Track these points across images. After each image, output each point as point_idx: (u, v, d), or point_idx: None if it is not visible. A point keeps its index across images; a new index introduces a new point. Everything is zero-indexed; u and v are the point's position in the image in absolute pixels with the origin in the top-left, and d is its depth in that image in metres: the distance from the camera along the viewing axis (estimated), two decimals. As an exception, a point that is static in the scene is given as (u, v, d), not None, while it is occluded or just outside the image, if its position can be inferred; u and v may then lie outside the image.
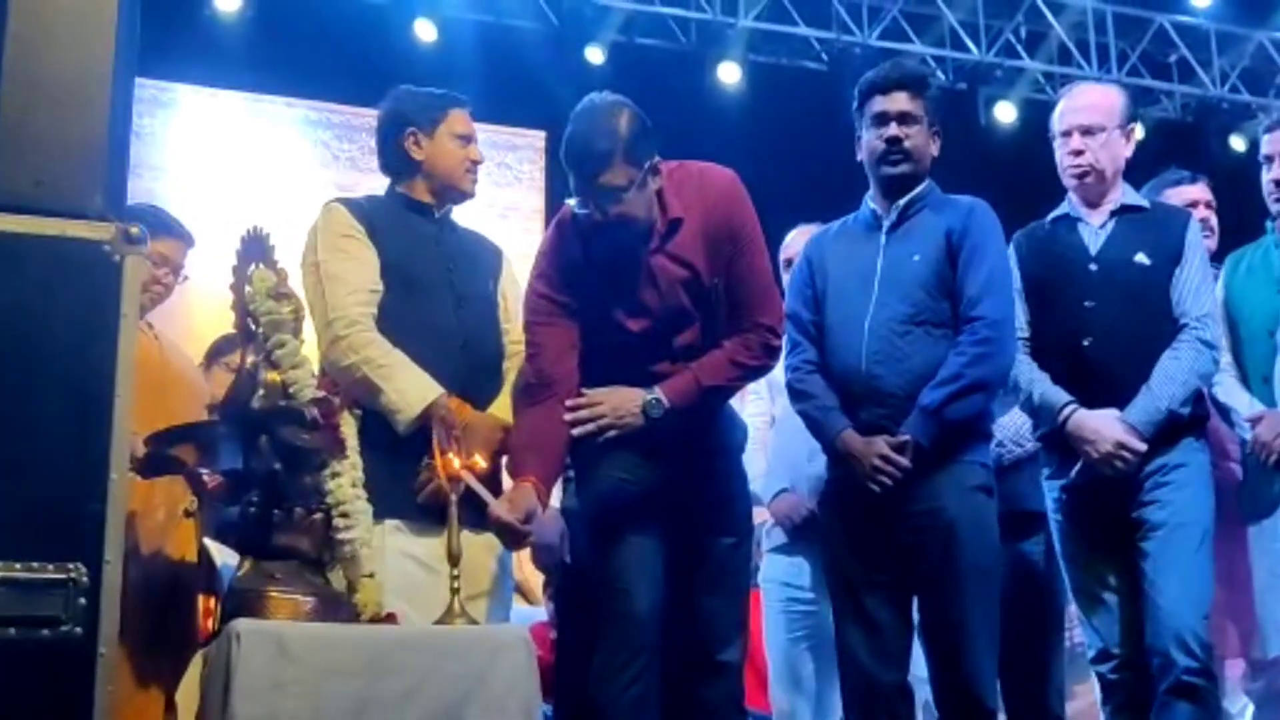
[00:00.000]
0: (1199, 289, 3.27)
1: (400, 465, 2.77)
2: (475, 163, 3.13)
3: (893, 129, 3.18)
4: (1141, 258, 3.30)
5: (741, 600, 3.12)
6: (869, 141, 3.24)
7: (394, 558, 2.74)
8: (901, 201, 3.20)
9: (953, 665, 3.03)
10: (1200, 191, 3.91)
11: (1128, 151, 3.44)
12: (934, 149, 3.26)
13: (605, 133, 2.89)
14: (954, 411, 3.02)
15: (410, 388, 2.83)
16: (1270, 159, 3.38)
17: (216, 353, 3.95)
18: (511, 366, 3.08)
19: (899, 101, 3.19)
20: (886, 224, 3.22)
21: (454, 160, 3.10)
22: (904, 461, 3.01)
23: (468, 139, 3.12)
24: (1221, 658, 3.44)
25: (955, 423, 3.03)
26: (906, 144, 3.18)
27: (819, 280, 3.25)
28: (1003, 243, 3.25)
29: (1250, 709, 3.78)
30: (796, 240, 3.93)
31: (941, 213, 3.19)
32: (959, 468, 3.05)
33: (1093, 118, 3.39)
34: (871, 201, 3.28)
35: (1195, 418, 3.26)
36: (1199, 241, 3.35)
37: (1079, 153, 3.38)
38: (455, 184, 3.11)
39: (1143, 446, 3.16)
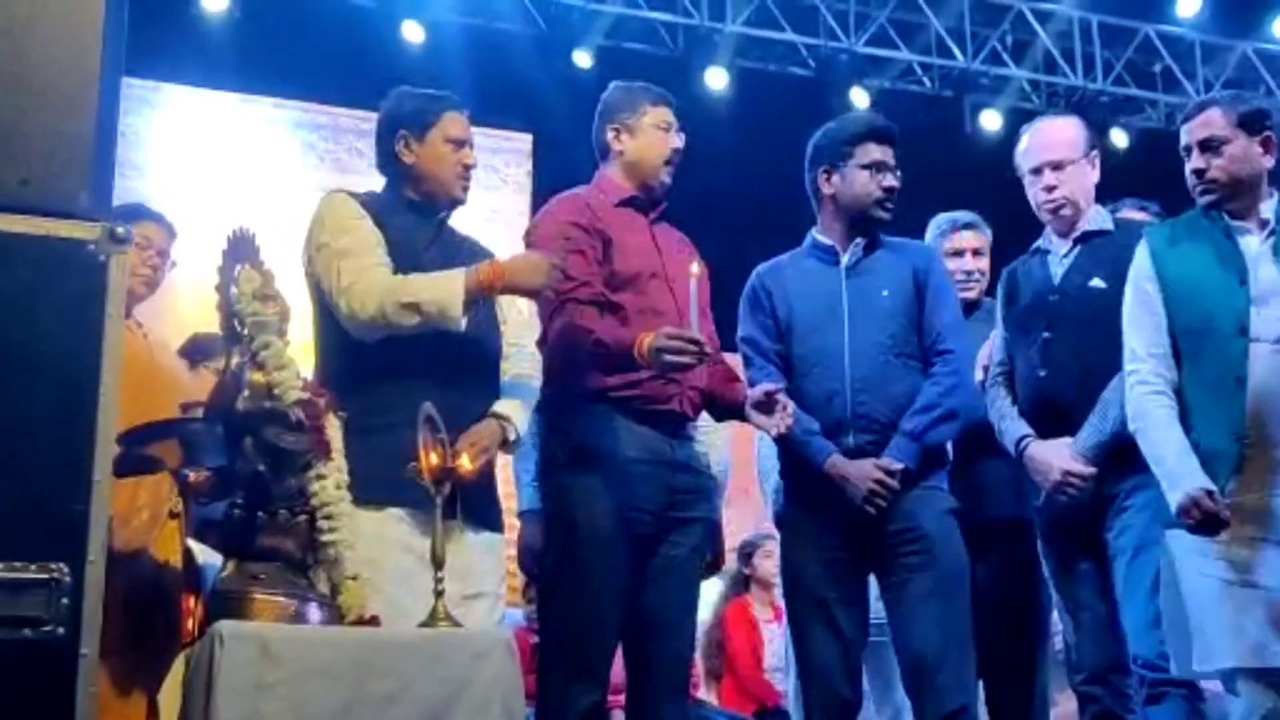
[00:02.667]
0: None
1: (406, 451, 2.64)
2: (468, 167, 3.08)
3: (890, 179, 3.36)
4: (1098, 282, 3.32)
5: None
6: (861, 184, 3.35)
7: (393, 549, 2.74)
8: (862, 241, 3.37)
9: (931, 677, 3.16)
10: (1128, 214, 3.87)
11: (1095, 178, 3.50)
12: None
13: None
14: (933, 437, 3.25)
15: (437, 284, 2.83)
16: (1189, 150, 3.18)
17: (200, 353, 3.93)
18: (507, 369, 3.08)
19: (891, 155, 3.38)
20: (846, 260, 3.37)
21: (445, 165, 3.06)
22: (895, 484, 3.16)
23: (461, 143, 3.08)
24: None
25: (931, 448, 3.24)
26: (895, 195, 3.38)
27: (780, 310, 3.38)
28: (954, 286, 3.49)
29: None
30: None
31: (898, 253, 3.37)
32: (932, 493, 3.25)
33: (1060, 152, 3.45)
34: (823, 236, 3.43)
35: None
36: None
37: (1053, 188, 3.43)
38: (446, 189, 3.07)
39: (1089, 471, 3.21)
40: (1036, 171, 3.47)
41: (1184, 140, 3.16)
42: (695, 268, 2.97)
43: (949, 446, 3.41)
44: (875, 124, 3.43)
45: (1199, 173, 3.09)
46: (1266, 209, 3.06)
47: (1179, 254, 3.11)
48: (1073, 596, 3.34)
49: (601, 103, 3.40)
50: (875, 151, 3.35)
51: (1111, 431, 3.18)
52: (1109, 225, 3.46)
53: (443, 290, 2.82)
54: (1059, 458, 3.24)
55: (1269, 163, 3.06)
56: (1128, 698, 3.19)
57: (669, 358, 2.90)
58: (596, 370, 3.09)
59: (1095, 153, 3.50)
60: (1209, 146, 3.07)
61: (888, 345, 3.27)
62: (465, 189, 3.10)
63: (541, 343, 3.19)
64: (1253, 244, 3.04)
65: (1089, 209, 3.47)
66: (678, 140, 3.32)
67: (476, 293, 2.83)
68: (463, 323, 2.80)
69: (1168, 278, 3.09)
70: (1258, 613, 2.79)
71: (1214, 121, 3.07)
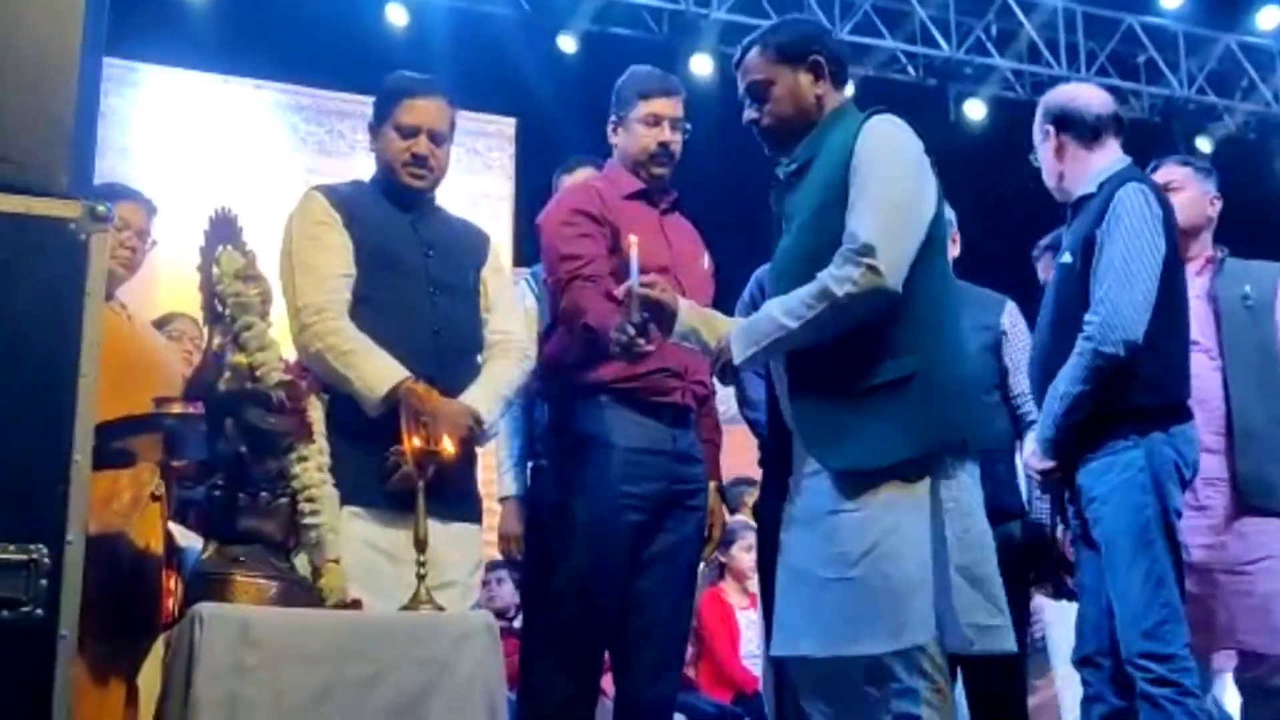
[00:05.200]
0: (1104, 277, 3.07)
1: (362, 451, 2.75)
2: (415, 155, 3.03)
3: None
4: (1066, 257, 3.24)
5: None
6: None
7: (354, 545, 2.71)
8: None
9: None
10: (1167, 173, 3.74)
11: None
12: None
13: None
14: None
15: (374, 372, 2.83)
16: (744, 102, 2.83)
17: (159, 324, 3.93)
18: (490, 357, 3.07)
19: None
20: None
21: (392, 153, 3.05)
22: None
23: (413, 130, 3.03)
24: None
25: None
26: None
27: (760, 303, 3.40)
28: None
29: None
30: None
31: None
32: None
33: None
34: None
35: (1116, 414, 3.09)
36: (1121, 220, 3.10)
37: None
38: (394, 177, 3.06)
39: (1047, 464, 3.19)
40: None
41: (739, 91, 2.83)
42: (634, 249, 2.82)
43: None
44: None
45: (754, 123, 2.77)
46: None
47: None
48: (1079, 585, 3.30)
49: None
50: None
51: (1052, 427, 3.13)
52: (1093, 188, 3.26)
53: (370, 384, 2.82)
54: (1028, 456, 3.24)
55: (824, 89, 2.72)
56: (1119, 684, 3.11)
57: (613, 347, 2.82)
58: (593, 357, 3.07)
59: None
60: (755, 94, 2.75)
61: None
62: (416, 177, 3.06)
63: (555, 325, 3.21)
64: None
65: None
66: (666, 134, 3.27)
67: (398, 401, 2.78)
68: (371, 413, 2.81)
69: None
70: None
71: (752, 66, 2.74)
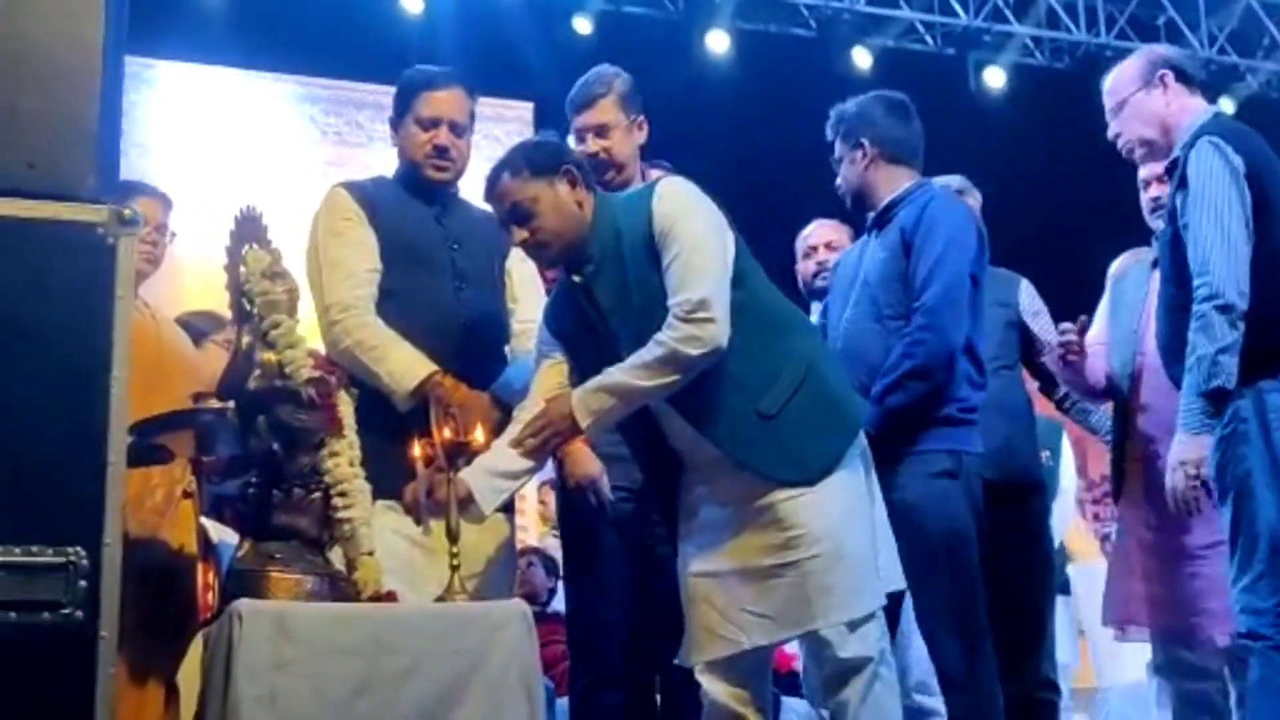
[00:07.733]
0: (1197, 242, 2.96)
1: (393, 446, 2.75)
2: (437, 148, 3.05)
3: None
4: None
5: None
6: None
7: (387, 538, 2.72)
8: (882, 205, 3.31)
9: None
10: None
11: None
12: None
13: None
14: (895, 400, 3.08)
15: (402, 367, 2.85)
16: (507, 227, 2.79)
17: (199, 331, 3.93)
18: (518, 347, 3.08)
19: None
20: (871, 228, 3.37)
21: (413, 147, 3.08)
22: None
23: (433, 123, 3.05)
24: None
25: (900, 410, 3.08)
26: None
27: (831, 286, 3.47)
28: (955, 228, 3.19)
29: None
30: (817, 232, 4.13)
31: (906, 210, 3.25)
32: (922, 457, 3.11)
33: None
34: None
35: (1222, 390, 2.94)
36: (1194, 182, 3.01)
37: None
38: (417, 171, 3.08)
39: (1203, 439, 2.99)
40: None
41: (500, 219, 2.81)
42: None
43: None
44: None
45: (525, 243, 2.74)
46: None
47: None
48: None
49: None
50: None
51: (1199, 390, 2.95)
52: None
53: (399, 378, 2.84)
54: None
55: (581, 194, 2.72)
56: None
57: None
58: None
59: None
60: (520, 218, 2.71)
61: (870, 311, 3.21)
62: (439, 169, 3.08)
63: None
64: None
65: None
66: (589, 144, 3.32)
67: (430, 392, 2.80)
68: (402, 407, 2.84)
69: None
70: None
71: (510, 190, 2.71)
